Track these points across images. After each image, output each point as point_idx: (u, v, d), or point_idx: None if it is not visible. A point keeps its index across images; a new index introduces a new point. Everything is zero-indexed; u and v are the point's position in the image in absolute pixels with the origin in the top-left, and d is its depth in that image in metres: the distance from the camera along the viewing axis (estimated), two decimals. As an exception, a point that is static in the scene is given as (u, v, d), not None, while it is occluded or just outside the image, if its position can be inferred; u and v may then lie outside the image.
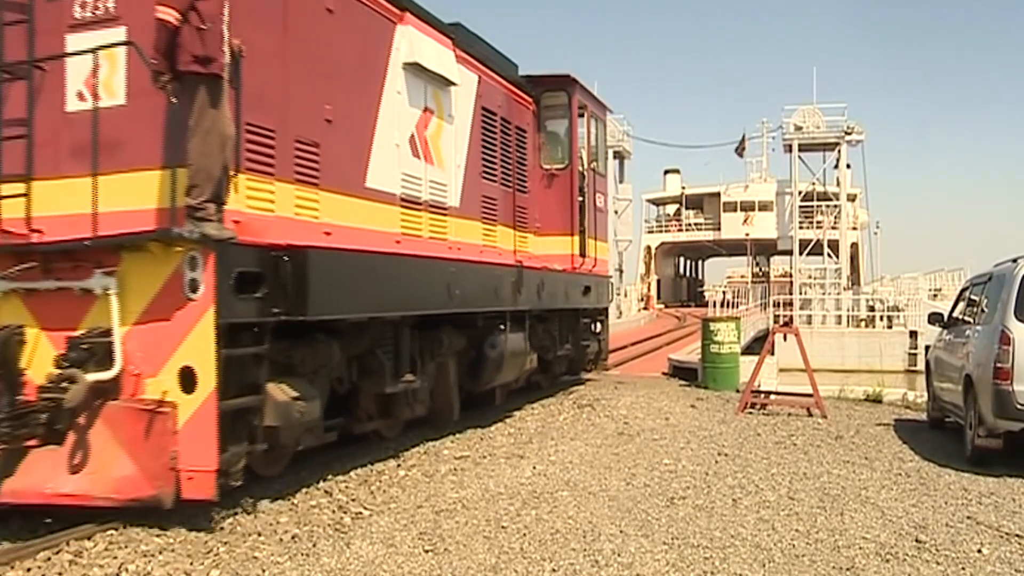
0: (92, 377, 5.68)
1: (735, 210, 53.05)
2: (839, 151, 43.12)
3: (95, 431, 5.76)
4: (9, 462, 5.74)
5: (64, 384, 5.62)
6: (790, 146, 43.77)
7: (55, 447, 5.78)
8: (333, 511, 6.23)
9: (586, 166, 13.04)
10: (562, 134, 12.63)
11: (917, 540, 5.68)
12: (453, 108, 9.50)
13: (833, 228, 44.17)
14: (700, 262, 72.99)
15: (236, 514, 5.98)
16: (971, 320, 9.45)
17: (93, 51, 6.03)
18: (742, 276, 64.53)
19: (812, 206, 45.28)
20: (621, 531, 5.79)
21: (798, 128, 43.04)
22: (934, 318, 11.11)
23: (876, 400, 13.63)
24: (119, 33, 6.12)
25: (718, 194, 54.03)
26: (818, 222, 45.37)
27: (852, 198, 47.00)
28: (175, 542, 5.45)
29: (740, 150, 51.08)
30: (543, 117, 12.46)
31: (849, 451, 8.98)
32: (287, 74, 6.81)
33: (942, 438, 9.96)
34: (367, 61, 7.99)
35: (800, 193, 44.66)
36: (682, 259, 67.22)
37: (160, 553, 5.24)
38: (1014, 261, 8.61)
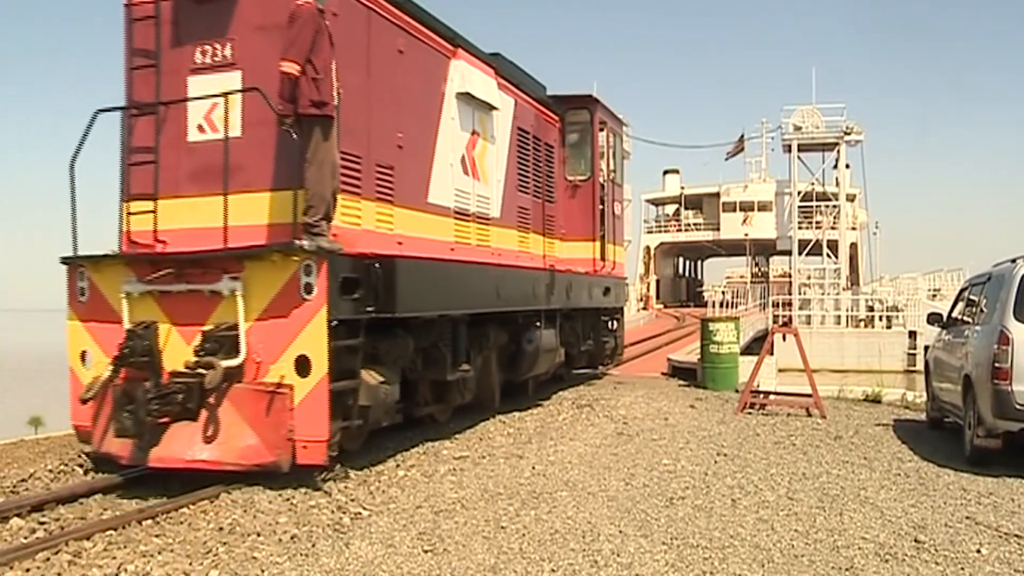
0: (224, 364, 6.77)
1: (734, 210, 52.98)
2: (838, 151, 43.12)
3: (224, 409, 6.84)
4: (154, 434, 6.82)
5: (201, 370, 6.75)
6: (789, 146, 43.75)
7: (190, 422, 6.83)
8: (332, 511, 6.23)
9: (606, 177, 14.17)
10: (584, 148, 13.79)
11: (916, 540, 5.68)
12: (494, 129, 10.82)
13: (832, 228, 44.17)
14: (699, 262, 72.94)
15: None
16: (970, 320, 9.45)
17: (224, 95, 7.28)
18: (741, 276, 64.41)
19: (811, 206, 45.26)
20: (620, 531, 5.79)
21: (797, 128, 43.03)
22: (933, 318, 11.11)
23: (875, 400, 13.63)
24: (235, 77, 7.39)
25: (717, 194, 53.97)
26: (817, 222, 45.37)
27: (851, 198, 46.99)
28: (174, 542, 5.45)
29: (735, 150, 50.95)
30: (567, 133, 13.62)
31: (848, 451, 8.98)
32: (370, 108, 8.05)
33: (941, 438, 9.96)
34: (428, 93, 9.32)
35: (799, 193, 44.65)
36: (681, 259, 67.17)
37: (159, 553, 5.24)
38: (1013, 261, 8.61)
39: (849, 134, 42.48)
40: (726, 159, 51.65)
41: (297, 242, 6.79)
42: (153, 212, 7.60)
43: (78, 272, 7.66)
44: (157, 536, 5.56)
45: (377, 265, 7.35)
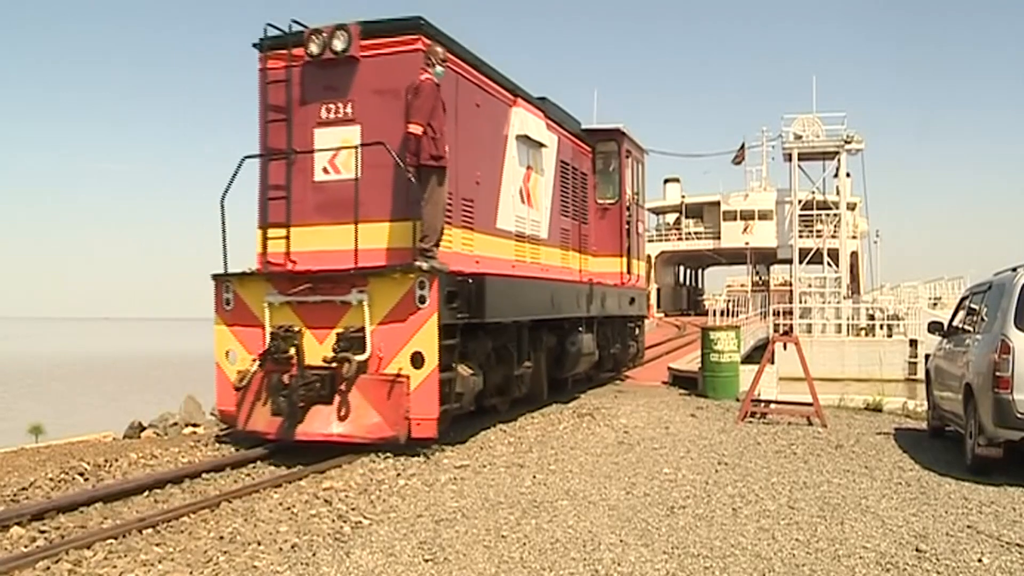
0: (356, 359, 8.47)
1: (735, 219, 52.98)
2: (839, 160, 43.10)
3: (353, 394, 8.55)
4: (300, 414, 8.50)
5: (335, 364, 8.52)
6: (790, 155, 43.74)
7: (326, 405, 8.55)
8: (333, 520, 6.22)
9: (631, 200, 15.87)
10: (612, 175, 15.50)
11: (917, 549, 5.67)
12: (543, 163, 12.51)
13: (833, 237, 44.15)
14: (700, 271, 72.91)
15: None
16: (971, 329, 9.45)
17: (356, 147, 9.06)
18: (742, 285, 64.34)
19: (812, 215, 45.24)
20: (621, 540, 5.79)
21: (798, 137, 43.03)
22: (934, 327, 11.09)
23: (876, 409, 13.62)
24: (355, 130, 9.21)
25: (718, 203, 53.97)
26: (818, 231, 45.35)
27: (852, 207, 46.96)
28: (175, 551, 5.45)
29: (738, 160, 50.98)
30: (597, 161, 15.31)
31: (849, 460, 8.97)
32: (457, 154, 9.52)
33: (942, 447, 9.94)
34: (496, 137, 11.04)
35: (800, 202, 44.62)
36: (682, 268, 67.14)
37: (160, 562, 5.23)
38: (1014, 270, 8.61)
39: (849, 143, 42.48)
40: (735, 163, 51.58)
41: (416, 263, 8.58)
42: (286, 238, 9.43)
43: (224, 285, 9.43)
44: (158, 545, 5.55)
45: (471, 281, 9.20)
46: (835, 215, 44.16)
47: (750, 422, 11.67)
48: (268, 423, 8.69)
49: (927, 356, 12.25)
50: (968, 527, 6.28)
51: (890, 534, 6.05)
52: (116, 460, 8.61)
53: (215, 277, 9.51)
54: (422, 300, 8.49)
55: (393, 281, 8.61)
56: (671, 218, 59.81)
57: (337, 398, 8.57)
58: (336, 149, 9.25)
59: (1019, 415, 7.77)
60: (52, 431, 14.93)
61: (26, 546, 5.55)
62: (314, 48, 9.33)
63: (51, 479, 7.58)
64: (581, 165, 14.56)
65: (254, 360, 8.90)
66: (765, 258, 57.81)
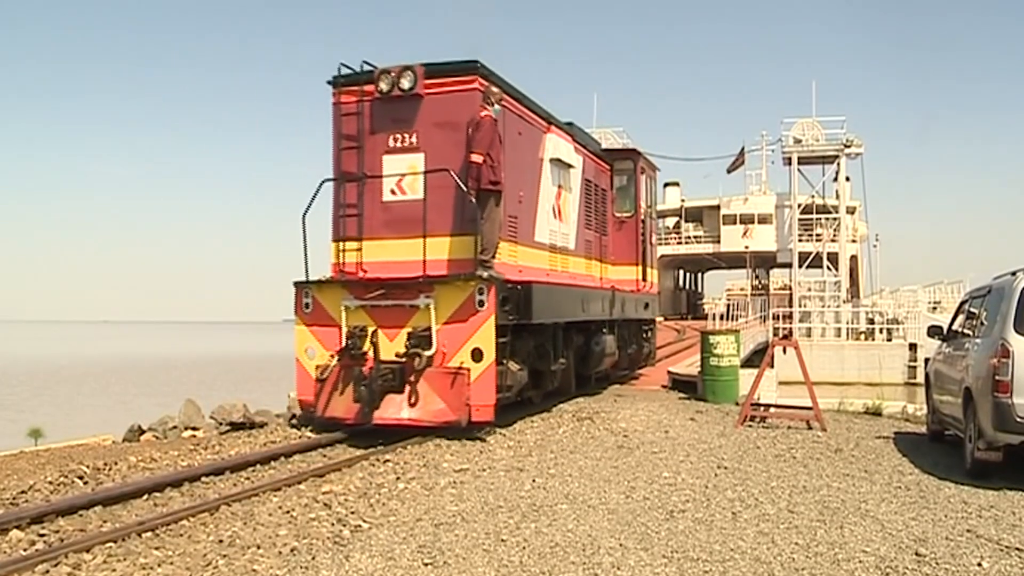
0: (425, 354, 9.82)
1: (735, 223, 52.98)
2: (838, 164, 43.15)
3: (421, 384, 9.90)
4: (376, 401, 9.83)
5: (406, 358, 9.90)
6: (789, 159, 43.80)
7: (398, 394, 9.91)
8: (332, 524, 6.22)
9: (645, 213, 17.14)
10: (629, 190, 16.78)
11: (917, 554, 5.67)
12: (571, 182, 13.76)
13: (832, 241, 44.17)
14: (699, 275, 72.89)
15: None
16: (970, 333, 9.45)
17: (423, 172, 10.41)
18: (741, 289, 64.29)
19: (811, 219, 45.26)
20: (620, 544, 5.78)
21: (797, 141, 43.08)
22: (933, 331, 11.10)
23: (876, 413, 13.61)
24: (420, 157, 10.54)
25: (718, 207, 53.99)
26: (817, 235, 45.37)
27: (851, 211, 47.00)
28: (174, 555, 5.44)
29: (735, 165, 50.96)
30: (615, 177, 16.59)
31: (849, 464, 8.97)
32: (504, 176, 10.54)
33: (942, 451, 9.95)
34: (534, 161, 12.32)
35: (799, 206, 44.68)
36: (681, 272, 67.11)
37: (159, 566, 5.23)
38: (1013, 274, 8.61)
39: (849, 147, 42.52)
40: (728, 172, 51.62)
41: (477, 272, 9.98)
42: (359, 250, 10.79)
43: (304, 291, 10.71)
44: (157, 548, 5.55)
45: (519, 288, 10.50)
46: (835, 219, 44.20)
47: (749, 426, 11.67)
48: (346, 409, 10.08)
49: (927, 360, 12.26)
50: (968, 531, 6.28)
51: (890, 538, 6.05)
52: (115, 463, 8.61)
53: (297, 284, 10.79)
54: (481, 304, 9.84)
55: (457, 287, 9.97)
56: (671, 222, 59.80)
57: (407, 388, 9.93)
58: (403, 174, 10.62)
59: (1018, 419, 7.77)
60: (51, 434, 14.92)
61: (25, 549, 5.54)
62: (384, 86, 10.65)
63: (50, 482, 7.58)
64: (601, 182, 15.85)
65: (332, 355, 10.28)
66: (765, 262, 57.84)
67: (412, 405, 9.88)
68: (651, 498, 7.15)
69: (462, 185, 10.10)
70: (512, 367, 10.40)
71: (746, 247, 52.39)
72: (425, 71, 10.58)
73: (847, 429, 11.66)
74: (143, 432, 13.13)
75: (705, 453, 9.36)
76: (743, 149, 51.13)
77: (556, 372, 12.50)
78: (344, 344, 10.20)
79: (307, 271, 10.75)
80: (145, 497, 7.05)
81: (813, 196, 44.98)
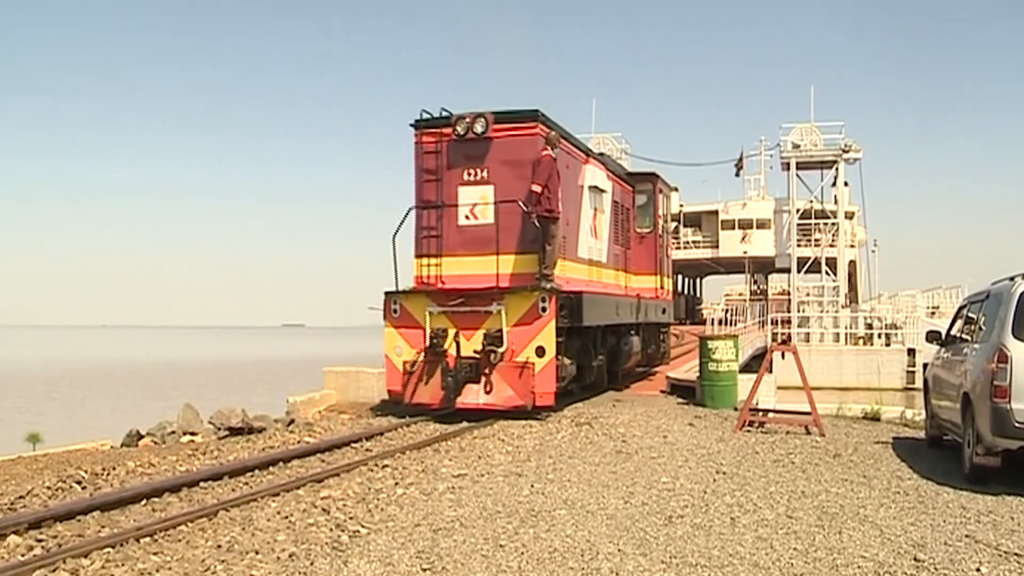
0: (499, 350, 12.00)
1: (733, 228, 52.89)
2: (837, 169, 43.11)
3: (494, 376, 12.07)
4: (459, 389, 12.05)
5: (481, 355, 12.10)
6: (788, 164, 43.76)
7: (475, 383, 12.10)
8: (330, 529, 6.21)
9: (662, 229, 19.50)
10: (648, 209, 18.91)
11: (916, 559, 5.67)
12: (604, 204, 15.98)
13: (831, 246, 44.11)
14: (698, 280, 72.83)
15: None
16: (969, 338, 9.45)
17: (496, 203, 12.63)
18: (740, 294, 64.25)
19: (810, 224, 45.23)
20: (619, 550, 5.78)
21: (796, 146, 43.02)
22: (932, 336, 11.10)
23: (874, 418, 13.61)
24: (490, 189, 12.72)
25: (716, 212, 53.93)
26: (816, 240, 45.32)
27: (850, 216, 46.93)
28: (172, 560, 5.44)
29: (739, 165, 50.96)
30: (637, 197, 18.67)
31: (847, 469, 8.97)
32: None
33: (940, 456, 9.94)
34: (577, 188, 14.41)
35: (798, 211, 44.65)
36: (680, 277, 67.03)
37: (157, 571, 5.22)
38: (1011, 279, 8.61)
39: (847, 152, 42.46)
40: (736, 174, 51.54)
41: (541, 284, 12.15)
42: (438, 265, 12.95)
43: (393, 299, 12.79)
44: (155, 554, 5.54)
45: (573, 296, 12.58)
46: (833, 224, 44.16)
47: (748, 431, 11.67)
48: (432, 396, 12.32)
49: (925, 365, 12.25)
50: (966, 536, 6.28)
51: (888, 543, 6.05)
52: (114, 468, 8.61)
53: (387, 293, 12.90)
54: (544, 310, 11.97)
55: (524, 296, 12.12)
56: (669, 227, 59.67)
57: (483, 378, 12.08)
58: (476, 203, 12.77)
59: (1017, 424, 7.77)
60: (49, 439, 14.89)
61: (23, 555, 5.53)
62: (460, 130, 12.79)
63: (48, 487, 7.57)
64: (626, 202, 17.97)
65: (417, 353, 12.45)
66: (763, 267, 57.79)
67: (487, 392, 12.03)
68: (650, 503, 7.15)
69: (527, 212, 12.27)
70: (566, 362, 12.51)
71: (745, 252, 52.32)
72: (495, 118, 12.74)
73: (846, 434, 11.66)
74: (141, 437, 13.11)
75: (704, 458, 9.36)
76: (742, 154, 51.15)
77: (595, 367, 14.42)
78: (428, 343, 12.32)
79: (396, 282, 13.01)
80: (143, 502, 7.05)
81: (812, 201, 44.95)
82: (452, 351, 12.28)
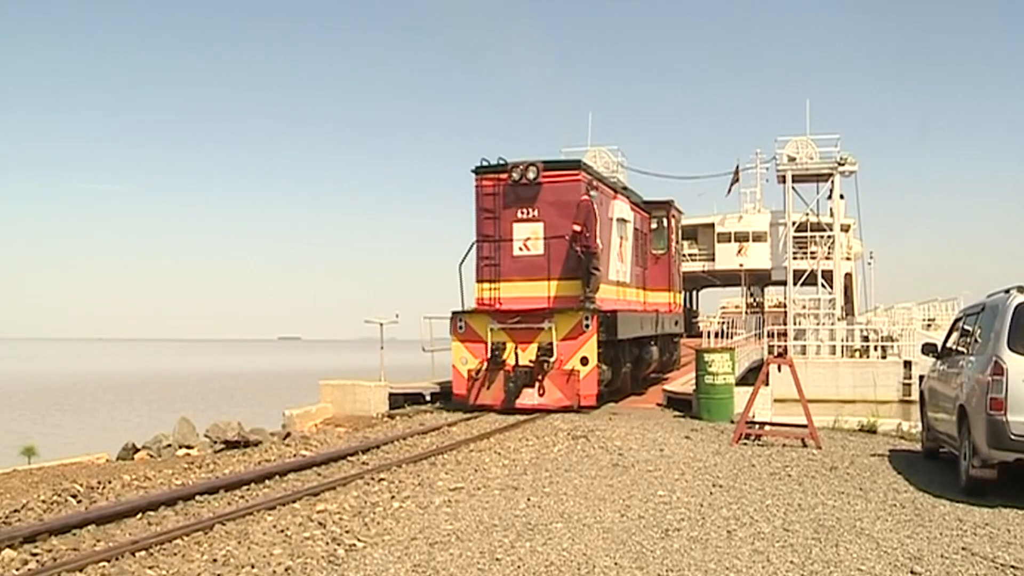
0: (550, 360, 14.51)
1: (729, 240, 52.92)
2: (832, 182, 43.23)
3: (546, 381, 14.65)
4: (517, 392, 14.61)
5: (535, 364, 14.62)
6: (784, 177, 43.85)
7: (530, 388, 14.62)
8: (327, 543, 6.20)
9: (675, 250, 22.29)
10: (663, 232, 21.57)
11: (912, 572, 5.67)
12: (627, 232, 18.38)
13: (827, 258, 44.14)
14: (694, 292, 72.84)
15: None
16: (965, 350, 9.47)
17: (546, 238, 15.25)
18: (736, 307, 64.27)
19: (806, 237, 45.28)
20: (616, 563, 5.77)
21: (791, 159, 43.10)
22: (928, 348, 11.12)
23: (871, 430, 13.61)
24: (540, 226, 15.34)
25: (712, 225, 54.00)
26: (812, 253, 45.33)
27: (846, 228, 47.00)
28: (168, 573, 5.42)
29: (730, 189, 51.06)
30: (652, 222, 21.30)
31: (844, 482, 8.97)
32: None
33: (937, 468, 9.95)
34: (607, 221, 16.67)
35: (794, 224, 44.72)
36: (677, 289, 67.06)
37: (152, 585, 5.20)
38: (1007, 292, 8.64)
39: (843, 165, 42.55)
40: (727, 195, 51.68)
41: (585, 305, 14.74)
42: (496, 288, 15.56)
43: (459, 318, 15.27)
44: (151, 568, 5.52)
45: (609, 315, 15.12)
46: (829, 237, 44.21)
47: (744, 444, 11.66)
48: (493, 398, 14.74)
49: (921, 378, 12.26)
50: (963, 549, 6.28)
51: (885, 556, 6.05)
52: (109, 482, 8.57)
53: (454, 313, 15.38)
54: (587, 326, 14.54)
55: (571, 315, 14.69)
56: (665, 240, 59.69)
57: (537, 383, 14.65)
58: (528, 237, 15.36)
59: (1013, 436, 7.78)
60: (44, 452, 14.84)
61: (18, 569, 5.51)
62: (515, 176, 15.36)
63: (44, 501, 7.54)
64: (644, 227, 20.56)
65: (480, 362, 14.91)
66: (759, 280, 57.77)
67: (540, 395, 14.62)
68: (646, 517, 7.14)
69: (572, 246, 14.96)
70: (604, 368, 14.95)
71: (741, 265, 52.30)
72: (544, 166, 15.38)
73: (842, 447, 11.65)
74: (137, 450, 13.08)
75: (700, 471, 9.35)
76: (738, 167, 51.26)
77: (624, 374, 16.83)
78: (490, 354, 14.77)
79: (463, 303, 15.63)
80: (139, 516, 7.02)
81: (807, 214, 45.01)
82: (511, 361, 14.63)
